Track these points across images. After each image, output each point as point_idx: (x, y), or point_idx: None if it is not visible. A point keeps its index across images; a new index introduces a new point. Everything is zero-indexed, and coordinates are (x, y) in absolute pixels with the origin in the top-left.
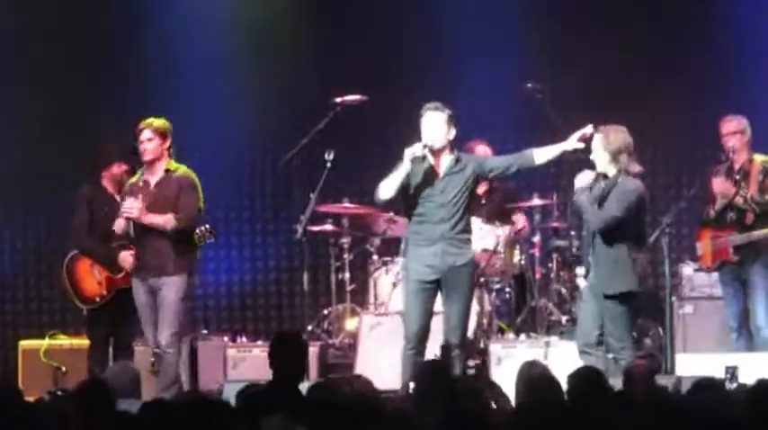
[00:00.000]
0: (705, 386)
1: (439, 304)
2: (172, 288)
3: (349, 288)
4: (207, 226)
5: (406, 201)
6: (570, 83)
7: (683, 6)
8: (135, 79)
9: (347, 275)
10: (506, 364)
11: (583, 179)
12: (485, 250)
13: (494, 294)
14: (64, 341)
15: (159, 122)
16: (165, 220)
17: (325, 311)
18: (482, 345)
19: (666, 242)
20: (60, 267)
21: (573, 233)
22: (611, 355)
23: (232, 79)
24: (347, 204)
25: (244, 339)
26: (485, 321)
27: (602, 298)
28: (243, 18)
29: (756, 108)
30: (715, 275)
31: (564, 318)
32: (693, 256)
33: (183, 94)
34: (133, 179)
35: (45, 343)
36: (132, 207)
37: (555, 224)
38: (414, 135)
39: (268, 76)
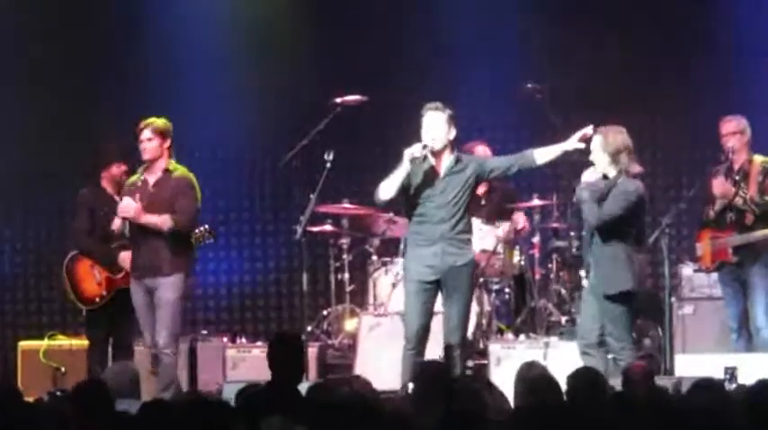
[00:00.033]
0: (704, 387)
1: (439, 304)
2: (168, 288)
3: (348, 288)
4: (206, 226)
5: (407, 201)
6: (570, 83)
7: (683, 6)
8: (135, 79)
9: (346, 276)
10: (506, 365)
11: (590, 175)
12: (484, 251)
13: (493, 295)
14: (63, 341)
15: (160, 122)
16: (162, 221)
17: (325, 312)
18: (481, 346)
19: (666, 242)
20: (60, 267)
21: (572, 234)
22: (610, 356)
23: (232, 79)
24: (347, 205)
25: (243, 340)
26: (484, 322)
27: (601, 298)
28: (243, 18)
29: (756, 108)
30: (714, 276)
31: (563, 319)
32: (693, 257)
33: (183, 94)
34: (133, 178)
35: (44, 343)
36: (129, 206)
37: (554, 225)
38: (414, 135)
39: (268, 76)
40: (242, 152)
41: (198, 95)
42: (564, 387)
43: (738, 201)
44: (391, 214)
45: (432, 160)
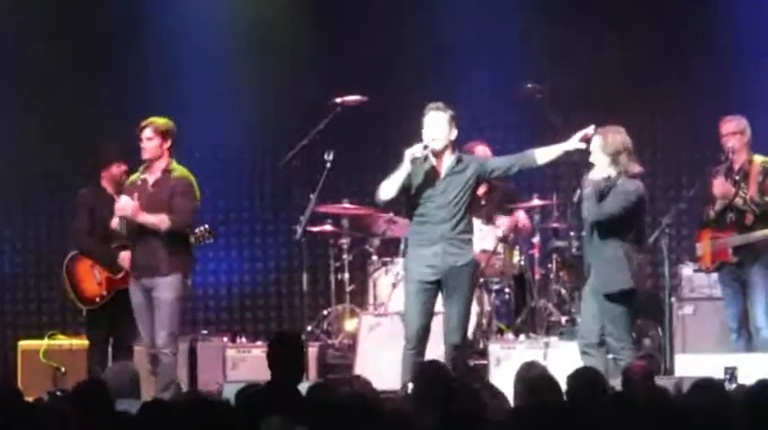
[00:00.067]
0: (704, 387)
1: (439, 305)
2: (166, 288)
3: (348, 288)
4: (206, 226)
5: (408, 201)
6: (570, 83)
7: (683, 6)
8: (135, 79)
9: (346, 276)
10: (506, 365)
11: (597, 173)
12: (484, 251)
13: (493, 295)
14: (63, 341)
15: (161, 122)
16: (160, 220)
17: (325, 312)
18: (481, 346)
19: (666, 243)
20: (60, 267)
21: (572, 234)
22: (610, 356)
23: (232, 79)
24: (347, 205)
25: (243, 340)
26: (484, 322)
27: (601, 297)
28: (243, 18)
29: (756, 108)
30: (714, 276)
31: (563, 319)
32: (693, 257)
33: (183, 94)
34: (133, 177)
35: (44, 343)
36: (127, 205)
37: (554, 225)
38: (414, 135)
39: (268, 76)
40: (242, 152)
41: (198, 95)
42: (564, 387)
43: (738, 201)
44: (391, 214)
45: (433, 160)
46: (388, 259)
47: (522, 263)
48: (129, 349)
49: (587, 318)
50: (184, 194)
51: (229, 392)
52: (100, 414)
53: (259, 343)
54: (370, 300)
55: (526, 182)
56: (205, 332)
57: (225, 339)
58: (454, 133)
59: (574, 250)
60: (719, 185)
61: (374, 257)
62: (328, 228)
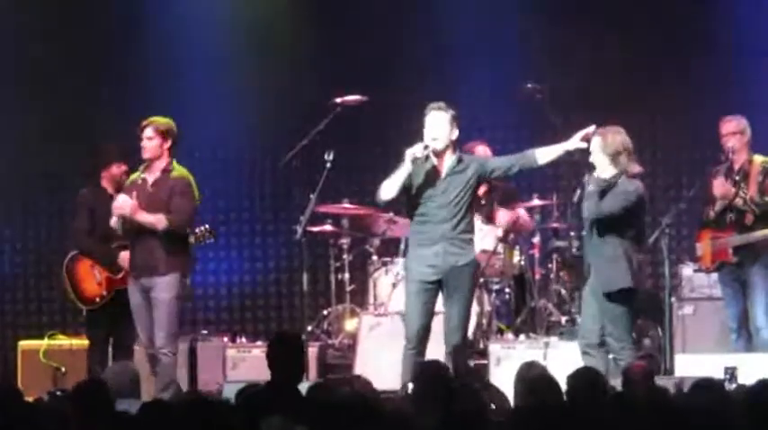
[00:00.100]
0: (704, 387)
1: (440, 304)
2: (164, 288)
3: (348, 288)
4: (206, 226)
5: (408, 201)
6: (570, 83)
7: (683, 6)
8: (135, 79)
9: (347, 276)
10: (506, 365)
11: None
12: (484, 251)
13: (493, 295)
14: (63, 341)
15: (162, 122)
16: (157, 220)
17: (325, 312)
18: (481, 346)
19: (666, 243)
20: (60, 267)
21: (573, 234)
22: (611, 356)
23: (232, 79)
24: (347, 205)
25: (243, 340)
26: (484, 322)
27: (601, 297)
28: (243, 18)
29: (756, 108)
30: (714, 276)
31: (563, 319)
32: (693, 257)
33: (183, 94)
34: (133, 176)
35: (44, 343)
36: (125, 203)
37: (555, 225)
38: (414, 135)
39: (268, 76)
40: (242, 152)
41: (198, 95)
42: (564, 387)
43: (738, 201)
44: (391, 214)
45: (434, 160)
46: (389, 259)
47: (523, 263)
48: (129, 349)
49: (587, 318)
50: (183, 194)
51: (229, 392)
52: (100, 414)
53: (259, 343)
54: (371, 299)
55: (526, 182)
56: (205, 332)
57: (225, 339)
58: (455, 133)
59: (574, 250)
60: (719, 186)
61: (374, 257)
62: (328, 228)
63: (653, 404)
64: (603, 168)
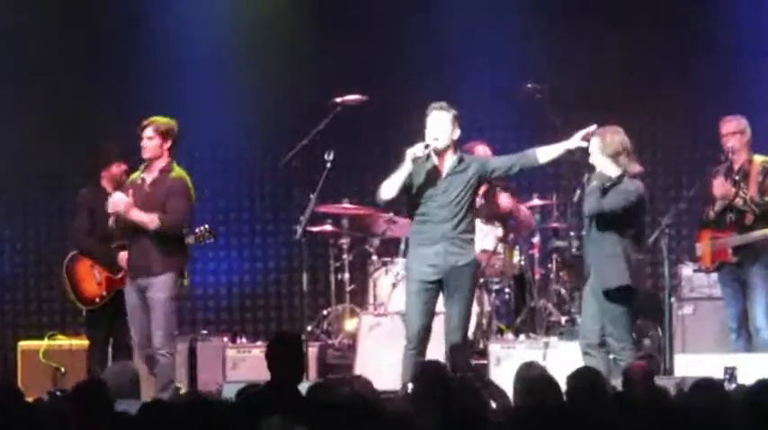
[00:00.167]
0: (704, 387)
1: (440, 304)
2: (159, 288)
3: (348, 288)
4: (206, 226)
5: (409, 200)
6: (570, 83)
7: (683, 6)
8: (135, 79)
9: (347, 276)
10: (505, 365)
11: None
12: (484, 251)
13: (493, 295)
14: (63, 341)
15: (163, 122)
16: (150, 219)
17: (325, 312)
18: (481, 346)
19: (666, 243)
20: (60, 267)
21: (572, 234)
22: (611, 356)
23: (232, 79)
24: (347, 205)
25: (243, 340)
26: (484, 322)
27: (601, 297)
28: (243, 18)
29: (756, 108)
30: (714, 276)
31: (563, 319)
32: (693, 257)
33: (183, 94)
34: (133, 176)
35: (44, 343)
36: (120, 201)
37: (555, 224)
38: (414, 135)
39: (268, 76)
40: (242, 152)
41: (198, 95)
42: (564, 387)
43: (739, 201)
44: (391, 214)
45: (435, 159)
46: (388, 259)
47: (522, 263)
48: (128, 349)
49: (587, 318)
50: (178, 196)
51: (229, 392)
52: (100, 414)
53: (259, 343)
54: (370, 299)
55: (526, 181)
56: (205, 332)
57: (225, 339)
58: (457, 133)
59: (574, 250)
60: (720, 186)
61: (374, 257)
62: (328, 228)
63: (653, 404)
64: (605, 168)
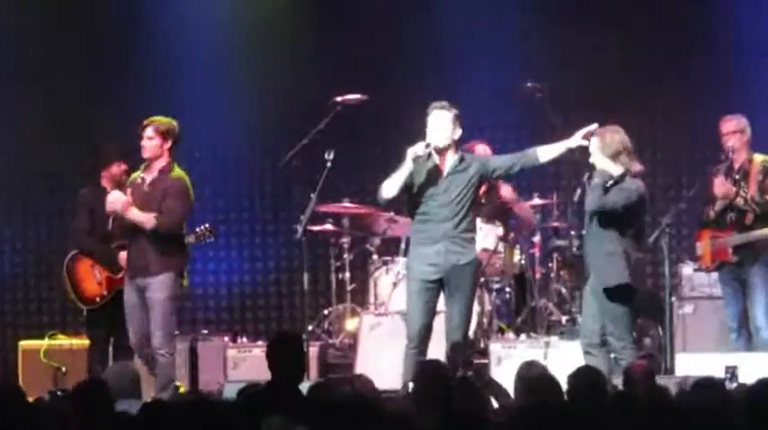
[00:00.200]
0: (705, 386)
1: (441, 303)
2: (157, 288)
3: (349, 288)
4: (206, 225)
5: (410, 200)
6: (570, 83)
7: (683, 6)
8: (135, 79)
9: (347, 275)
10: (506, 364)
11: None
12: (485, 250)
13: (494, 294)
14: (64, 341)
15: (163, 122)
16: (147, 219)
17: (326, 311)
18: (482, 345)
19: (666, 242)
20: (60, 267)
21: (573, 233)
22: (612, 355)
23: (232, 79)
24: (347, 204)
25: (244, 339)
26: (485, 321)
27: (601, 296)
28: (243, 18)
29: (756, 108)
30: (714, 275)
31: (564, 318)
32: (693, 256)
33: (183, 94)
34: (134, 175)
35: (45, 343)
36: (118, 199)
37: (555, 224)
38: (414, 134)
39: (268, 76)
40: (242, 152)
41: (198, 95)
42: (564, 386)
43: (739, 200)
44: (392, 213)
45: (435, 159)
46: (389, 258)
47: (523, 262)
48: (129, 349)
49: (588, 317)
50: (176, 196)
51: (230, 392)
52: (100, 414)
53: (260, 342)
54: (371, 299)
55: (527, 181)
56: (206, 332)
57: (226, 339)
58: (458, 132)
59: (574, 249)
60: (720, 185)
61: (375, 256)
62: (329, 227)
63: (653, 403)
64: (606, 168)
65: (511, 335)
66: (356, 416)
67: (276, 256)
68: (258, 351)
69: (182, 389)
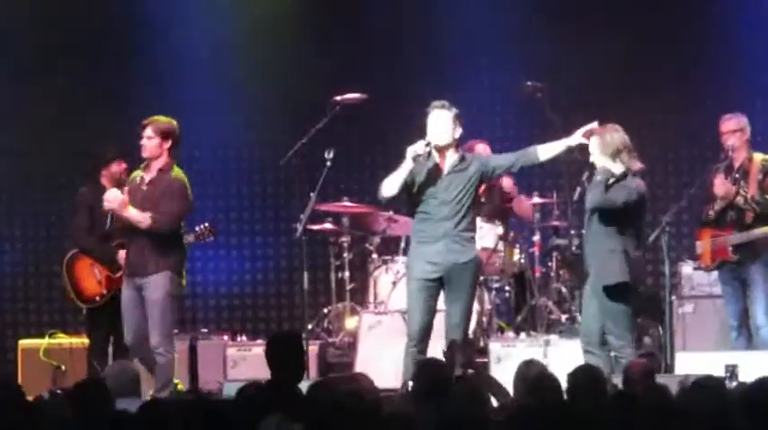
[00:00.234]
0: (705, 385)
1: (441, 302)
2: (155, 287)
3: (349, 287)
4: (206, 224)
5: (410, 198)
6: (570, 82)
7: (683, 6)
8: (135, 79)
9: (347, 274)
10: (506, 363)
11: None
12: (484, 249)
13: (493, 293)
14: (63, 340)
15: (163, 122)
16: (142, 218)
17: (325, 310)
18: (482, 344)
19: (666, 241)
20: (60, 266)
21: (573, 232)
22: (612, 354)
23: (232, 79)
24: (347, 203)
25: (244, 338)
26: (485, 320)
27: (601, 295)
28: (243, 18)
29: (756, 108)
30: (714, 274)
31: (563, 317)
32: (693, 255)
33: (183, 94)
34: (134, 174)
35: (44, 342)
36: (115, 198)
37: (555, 223)
38: (414, 133)
39: (268, 76)
40: (242, 152)
41: (198, 95)
42: (564, 385)
43: (739, 200)
44: (391, 212)
45: (436, 158)
46: (389, 257)
47: (523, 261)
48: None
49: (588, 316)
50: (172, 196)
51: (230, 391)
52: (100, 413)
53: (259, 341)
54: (371, 298)
55: (526, 180)
56: (205, 331)
57: (225, 338)
58: (458, 131)
59: (574, 248)
60: (721, 185)
61: (374, 255)
62: (329, 226)
63: (653, 402)
64: (608, 166)
65: (510, 333)
66: (356, 414)
67: (276, 255)
68: (258, 350)
69: (179, 387)
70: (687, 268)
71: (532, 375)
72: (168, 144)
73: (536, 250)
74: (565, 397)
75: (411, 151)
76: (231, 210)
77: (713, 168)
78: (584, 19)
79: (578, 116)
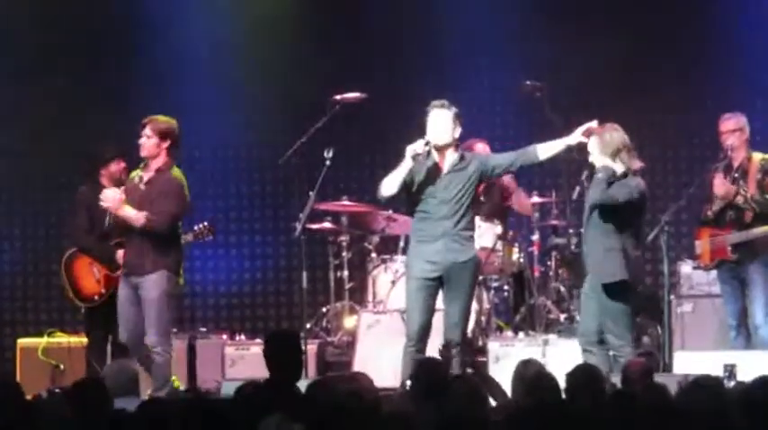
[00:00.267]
0: (703, 384)
1: (440, 301)
2: (151, 286)
3: (348, 286)
4: (205, 223)
5: (409, 197)
6: (570, 82)
7: (683, 6)
8: (135, 79)
9: (346, 273)
10: (504, 362)
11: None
12: (483, 248)
13: (492, 292)
14: (62, 339)
15: (162, 121)
16: (138, 217)
17: (324, 309)
18: (480, 343)
19: (665, 240)
20: (59, 265)
21: (572, 231)
22: (611, 353)
23: (232, 79)
24: (346, 202)
25: (242, 337)
26: (483, 319)
27: (600, 294)
28: (243, 18)
29: (756, 108)
30: (714, 274)
31: (562, 317)
32: (692, 255)
33: (183, 94)
34: (133, 174)
35: (43, 341)
36: (113, 197)
37: (554, 222)
38: (413, 133)
39: (268, 76)
40: (242, 152)
41: (198, 95)
42: (563, 384)
43: (739, 199)
44: (390, 212)
45: (435, 157)
46: (388, 256)
47: (522, 260)
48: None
49: (587, 316)
50: (168, 196)
51: (228, 390)
52: (98, 412)
53: (258, 340)
54: (370, 297)
55: (526, 179)
56: (204, 330)
57: (224, 337)
58: (458, 131)
59: (573, 247)
60: (721, 185)
61: (373, 255)
62: (328, 225)
63: (652, 402)
64: (608, 165)
65: (509, 333)
66: (355, 413)
67: (275, 254)
68: (256, 349)
69: (176, 384)
70: (686, 267)
71: (531, 375)
72: (166, 144)
73: (535, 249)
74: (563, 396)
75: (410, 150)
76: (230, 209)
77: (712, 168)
78: (584, 19)
79: (578, 116)
